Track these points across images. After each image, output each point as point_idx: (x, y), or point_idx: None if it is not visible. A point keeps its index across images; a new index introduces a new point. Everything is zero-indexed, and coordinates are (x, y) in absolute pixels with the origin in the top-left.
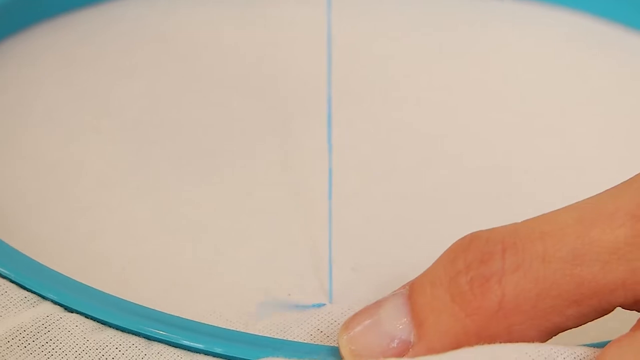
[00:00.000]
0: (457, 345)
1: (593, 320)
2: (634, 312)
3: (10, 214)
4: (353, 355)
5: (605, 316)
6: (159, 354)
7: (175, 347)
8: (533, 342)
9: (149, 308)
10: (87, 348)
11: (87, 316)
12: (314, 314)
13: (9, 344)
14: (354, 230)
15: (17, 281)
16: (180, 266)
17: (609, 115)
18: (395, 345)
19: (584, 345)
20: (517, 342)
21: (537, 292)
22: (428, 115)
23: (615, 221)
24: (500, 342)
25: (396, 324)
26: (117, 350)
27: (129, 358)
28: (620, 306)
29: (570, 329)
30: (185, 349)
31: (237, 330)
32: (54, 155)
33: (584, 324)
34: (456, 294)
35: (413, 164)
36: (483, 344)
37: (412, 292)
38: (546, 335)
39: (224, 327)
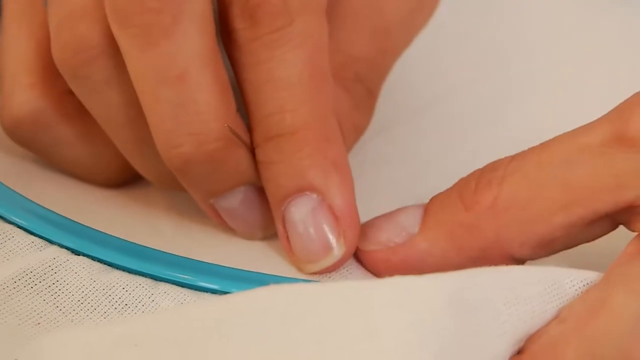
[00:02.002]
0: (449, 236)
1: (578, 233)
2: None
3: (17, 163)
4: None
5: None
6: (165, 293)
7: (181, 286)
8: (519, 248)
9: (155, 249)
10: (93, 289)
11: (93, 259)
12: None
13: (15, 284)
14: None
15: (24, 226)
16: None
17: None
18: (401, 236)
19: None
20: (503, 244)
21: (530, 194)
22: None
23: (599, 124)
24: (489, 245)
25: (408, 217)
26: (124, 290)
27: (136, 298)
28: (605, 215)
29: (556, 243)
30: (190, 288)
31: (248, 270)
32: None
33: (569, 238)
34: (463, 192)
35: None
36: (471, 239)
37: (429, 200)
38: (532, 245)
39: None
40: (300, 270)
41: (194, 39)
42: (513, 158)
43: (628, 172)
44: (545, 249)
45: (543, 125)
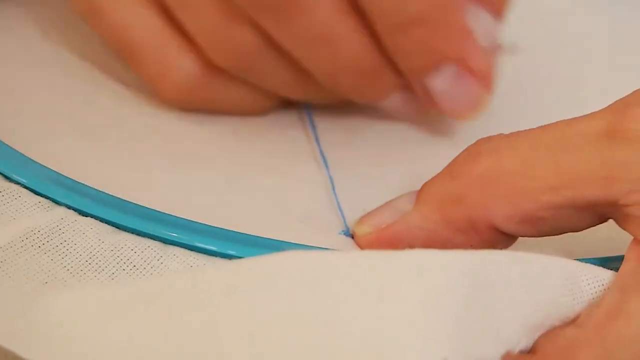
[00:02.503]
0: (439, 210)
1: (565, 218)
2: None
3: (23, 125)
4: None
5: None
6: (174, 256)
7: (190, 249)
8: (504, 221)
9: (164, 212)
10: (101, 249)
11: (101, 220)
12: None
13: (22, 243)
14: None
15: (31, 187)
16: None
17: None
18: (395, 217)
19: None
20: (490, 216)
21: (521, 170)
22: None
23: (597, 115)
24: (476, 215)
25: (403, 200)
26: (133, 252)
27: (145, 259)
28: (594, 203)
29: (543, 223)
30: (200, 252)
31: (251, 234)
32: (68, 82)
33: (557, 220)
34: (452, 164)
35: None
36: (458, 210)
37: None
38: (517, 221)
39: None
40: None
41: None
42: (507, 135)
43: (618, 163)
44: (532, 226)
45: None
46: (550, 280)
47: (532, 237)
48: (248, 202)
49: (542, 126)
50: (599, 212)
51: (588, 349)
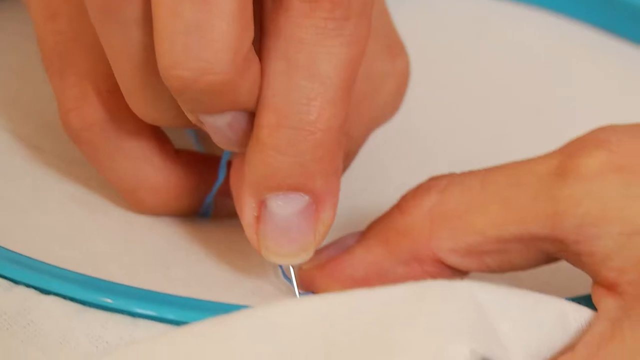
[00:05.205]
0: (383, 242)
1: (512, 254)
2: None
3: None
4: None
5: None
6: (145, 327)
7: (161, 322)
8: (448, 254)
9: (129, 286)
10: (71, 327)
11: (65, 297)
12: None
13: None
14: None
15: None
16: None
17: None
18: (341, 250)
19: None
20: (434, 248)
21: (468, 206)
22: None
23: (551, 154)
24: (420, 247)
25: (351, 237)
26: (103, 327)
27: (116, 333)
28: (539, 241)
29: (489, 258)
30: (172, 324)
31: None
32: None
33: (503, 255)
34: (401, 200)
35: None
36: (404, 242)
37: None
38: (462, 254)
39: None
40: (259, 253)
41: None
42: (459, 174)
43: (565, 198)
44: (477, 261)
45: None
46: (544, 314)
47: (478, 272)
48: (201, 279)
49: (495, 166)
50: (547, 250)
51: None
